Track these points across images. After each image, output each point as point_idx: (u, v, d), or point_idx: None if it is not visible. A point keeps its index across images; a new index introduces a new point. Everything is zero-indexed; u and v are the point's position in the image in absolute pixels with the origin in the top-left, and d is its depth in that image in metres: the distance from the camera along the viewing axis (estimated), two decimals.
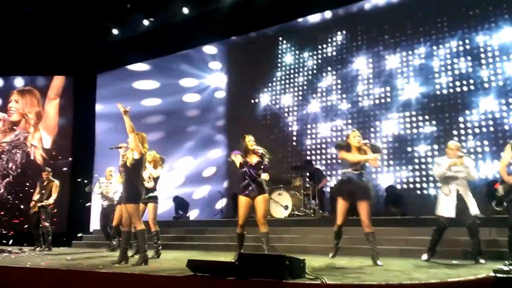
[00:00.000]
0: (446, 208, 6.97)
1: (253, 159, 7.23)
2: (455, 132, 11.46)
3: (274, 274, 4.78)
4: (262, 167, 7.18)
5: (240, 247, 7.22)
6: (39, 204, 11.18)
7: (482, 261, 6.69)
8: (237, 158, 7.23)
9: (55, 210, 12.03)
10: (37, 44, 14.92)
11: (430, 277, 5.33)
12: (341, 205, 6.87)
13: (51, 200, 11.25)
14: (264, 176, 7.12)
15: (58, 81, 16.48)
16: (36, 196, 11.36)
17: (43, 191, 11.31)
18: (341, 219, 6.87)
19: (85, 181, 11.27)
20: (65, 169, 15.18)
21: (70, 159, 15.53)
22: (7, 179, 15.66)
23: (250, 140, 7.32)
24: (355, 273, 5.77)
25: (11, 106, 16.30)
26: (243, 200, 7.15)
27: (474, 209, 6.83)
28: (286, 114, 14.43)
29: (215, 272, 5.23)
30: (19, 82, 16.66)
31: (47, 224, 11.19)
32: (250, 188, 7.08)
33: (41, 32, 14.47)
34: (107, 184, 11.00)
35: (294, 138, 14.13)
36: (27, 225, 12.63)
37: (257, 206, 7.08)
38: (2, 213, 15.00)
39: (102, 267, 6.76)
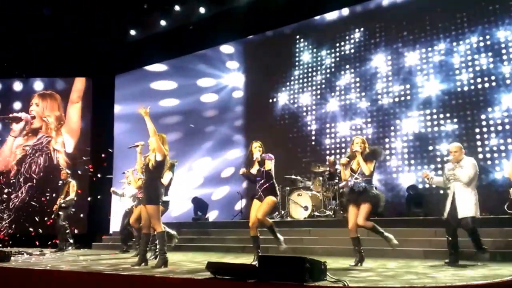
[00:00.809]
0: (444, 209, 7.06)
1: (256, 167, 7.38)
2: (477, 130, 11.28)
3: (294, 277, 4.71)
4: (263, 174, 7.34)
5: (257, 249, 7.28)
6: (56, 205, 11.28)
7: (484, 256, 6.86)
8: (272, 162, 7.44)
9: (73, 210, 12.05)
10: (55, 46, 15.00)
11: (455, 279, 5.22)
12: (350, 211, 7.06)
13: (68, 199, 11.31)
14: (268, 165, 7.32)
15: (80, 84, 16.51)
16: (60, 199, 11.49)
17: (62, 192, 11.40)
18: (350, 224, 6.98)
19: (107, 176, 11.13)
20: (82, 170, 15.23)
21: (84, 158, 15.54)
22: (29, 183, 15.73)
23: (254, 148, 7.45)
24: (377, 276, 5.67)
25: (31, 109, 16.33)
26: (253, 203, 7.44)
27: (464, 211, 6.78)
28: (304, 113, 14.32)
29: (235, 274, 5.17)
30: (38, 85, 16.73)
31: (63, 223, 11.26)
32: (258, 194, 7.35)
33: (60, 34, 14.54)
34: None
35: (313, 138, 14.01)
36: (50, 227, 12.68)
37: (261, 205, 7.24)
38: (24, 216, 15.10)
39: (121, 269, 6.73)
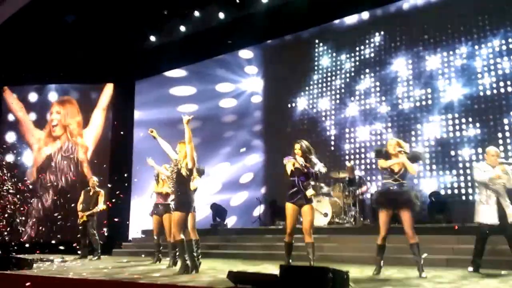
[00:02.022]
0: (487, 215, 6.71)
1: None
2: (499, 135, 11.10)
3: (317, 287, 4.63)
4: (311, 176, 6.98)
5: (288, 257, 7.02)
6: (88, 213, 11.22)
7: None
8: (289, 165, 7.03)
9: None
10: (76, 52, 15.08)
11: None
12: (383, 216, 6.67)
13: (99, 209, 11.28)
14: (309, 193, 6.90)
15: (109, 90, 16.54)
16: (80, 206, 11.42)
17: (89, 200, 11.34)
18: (383, 230, 6.64)
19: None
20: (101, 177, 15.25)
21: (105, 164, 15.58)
22: (53, 190, 15.77)
23: (297, 148, 7.03)
24: (401, 285, 5.56)
25: (53, 118, 16.37)
26: (290, 208, 6.94)
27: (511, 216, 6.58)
28: (323, 118, 14.23)
29: (256, 284, 5.10)
30: (54, 92, 16.78)
31: (94, 232, 11.24)
32: (298, 196, 6.90)
33: (81, 40, 14.61)
34: None
35: (332, 143, 13.91)
36: (75, 235, 12.70)
37: (304, 215, 6.91)
38: (48, 224, 15.19)
39: (141, 276, 6.70)
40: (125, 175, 15.10)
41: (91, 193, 11.41)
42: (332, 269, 4.75)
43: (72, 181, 15.74)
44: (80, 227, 11.45)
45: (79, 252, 11.64)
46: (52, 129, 16.21)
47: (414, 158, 6.79)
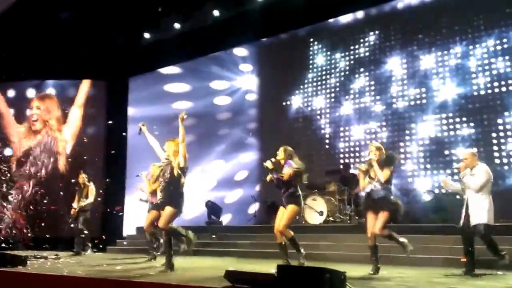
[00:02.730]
0: (460, 217, 6.92)
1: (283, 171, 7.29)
2: (493, 135, 11.15)
3: (314, 287, 4.65)
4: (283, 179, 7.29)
5: (285, 256, 7.27)
6: (77, 207, 11.27)
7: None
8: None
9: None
10: (70, 48, 15.03)
11: None
12: (367, 218, 6.92)
13: (87, 202, 11.30)
14: (267, 164, 7.31)
15: (85, 86, 16.51)
16: (75, 203, 11.46)
17: (80, 196, 11.40)
18: (369, 233, 6.84)
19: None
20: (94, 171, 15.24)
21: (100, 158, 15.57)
22: (35, 180, 15.74)
23: (279, 153, 7.44)
24: (397, 285, 5.59)
25: (33, 113, 16.29)
26: (279, 210, 7.36)
27: (476, 218, 6.66)
28: (318, 117, 14.26)
29: (254, 284, 5.11)
30: (48, 86, 16.77)
31: (82, 227, 11.27)
32: (282, 198, 7.29)
33: (75, 36, 14.57)
34: None
35: (327, 141, 13.94)
36: (61, 229, 12.69)
37: (283, 214, 7.15)
38: (30, 212, 15.18)
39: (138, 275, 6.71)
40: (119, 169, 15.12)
41: (81, 188, 11.48)
42: (329, 270, 4.77)
43: (53, 175, 15.71)
44: (71, 225, 11.51)
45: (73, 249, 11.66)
46: (32, 124, 16.19)
47: (387, 162, 6.94)
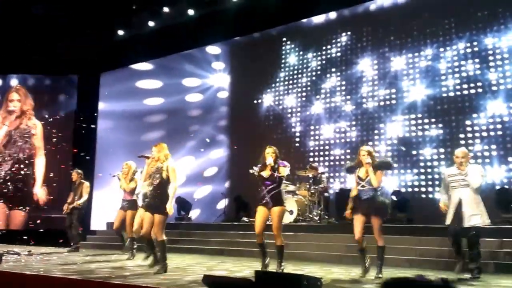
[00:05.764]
0: (447, 216, 6.80)
1: (268, 172, 7.04)
2: (461, 136, 11.30)
3: None
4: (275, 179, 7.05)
5: (264, 257, 7.06)
6: (71, 206, 11.14)
7: (467, 275, 6.54)
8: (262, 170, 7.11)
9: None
10: (42, 43, 14.88)
11: None
12: (354, 221, 6.83)
13: (82, 201, 11.19)
14: (282, 171, 7.03)
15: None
16: (69, 199, 11.36)
17: (75, 192, 11.27)
18: (355, 234, 6.76)
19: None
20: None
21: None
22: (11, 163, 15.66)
23: (267, 153, 7.15)
24: None
25: (14, 106, 16.14)
26: (259, 209, 7.06)
27: (473, 220, 6.54)
28: (289, 115, 14.30)
29: None
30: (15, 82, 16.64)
31: (75, 223, 11.17)
32: (264, 200, 6.99)
33: (48, 31, 14.42)
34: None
35: (297, 139, 14.00)
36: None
37: (272, 217, 6.99)
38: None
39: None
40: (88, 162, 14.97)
41: (76, 185, 11.39)
42: (306, 277, 4.84)
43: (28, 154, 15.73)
44: (66, 220, 11.41)
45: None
46: (10, 113, 16.04)
47: (383, 167, 6.93)
